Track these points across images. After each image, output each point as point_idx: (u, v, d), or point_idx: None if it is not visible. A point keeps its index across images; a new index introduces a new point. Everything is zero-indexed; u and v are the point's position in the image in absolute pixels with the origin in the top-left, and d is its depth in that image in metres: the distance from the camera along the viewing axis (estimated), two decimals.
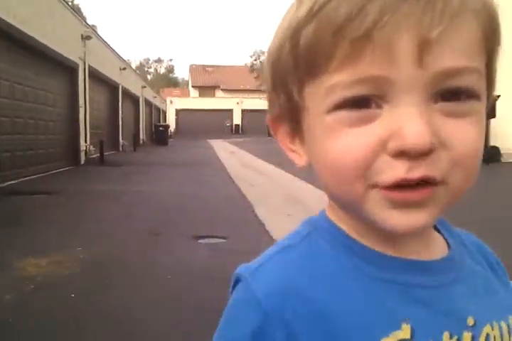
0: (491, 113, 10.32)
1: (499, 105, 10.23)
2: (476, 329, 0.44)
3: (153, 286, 3.02)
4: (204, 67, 55.41)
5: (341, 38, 0.37)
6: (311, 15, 0.38)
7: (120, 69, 18.64)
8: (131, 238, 4.29)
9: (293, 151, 0.47)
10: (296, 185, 7.68)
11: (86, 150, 12.81)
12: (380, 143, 0.37)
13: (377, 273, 0.43)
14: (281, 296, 0.41)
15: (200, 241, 4.16)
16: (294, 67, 0.41)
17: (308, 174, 0.58)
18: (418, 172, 0.37)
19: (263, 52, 43.74)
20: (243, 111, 45.61)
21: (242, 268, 0.45)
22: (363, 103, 0.38)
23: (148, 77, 69.93)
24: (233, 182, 8.21)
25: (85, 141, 12.83)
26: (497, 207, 5.94)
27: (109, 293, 2.90)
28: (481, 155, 0.40)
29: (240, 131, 44.92)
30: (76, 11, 13.12)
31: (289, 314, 0.40)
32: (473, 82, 0.39)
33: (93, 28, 17.03)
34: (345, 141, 0.38)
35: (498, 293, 0.49)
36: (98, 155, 12.94)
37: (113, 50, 17.70)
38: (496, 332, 0.45)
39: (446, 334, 0.42)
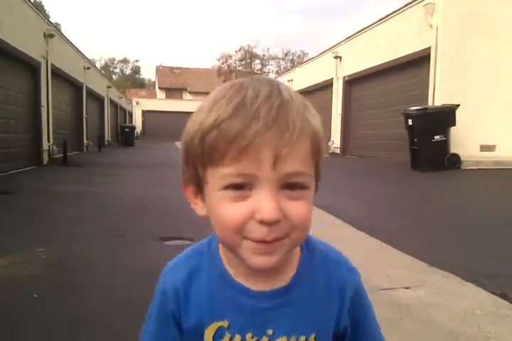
0: (451, 121, 10.68)
1: (459, 114, 10.59)
2: (272, 337, 0.73)
3: (118, 288, 2.96)
4: (171, 68, 54.92)
5: (231, 147, 0.61)
6: (214, 126, 0.62)
7: (84, 68, 18.26)
8: (95, 239, 4.21)
9: (195, 204, 0.72)
10: None
11: (49, 150, 12.49)
12: (250, 215, 0.62)
13: (226, 289, 0.74)
14: (174, 286, 0.77)
15: (166, 243, 4.11)
16: (201, 155, 0.65)
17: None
18: (271, 236, 0.63)
19: (230, 56, 43.90)
20: None
21: (166, 266, 0.81)
22: (240, 187, 0.63)
23: (114, 77, 68.76)
24: None
25: (48, 141, 12.50)
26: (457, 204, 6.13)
27: (73, 294, 2.83)
28: (310, 221, 0.67)
29: None
30: (38, 8, 12.77)
31: (179, 293, 0.76)
32: (304, 179, 0.65)
33: (56, 26, 16.62)
34: (229, 211, 0.64)
35: (312, 316, 0.74)
36: (61, 155, 12.63)
37: (77, 49, 17.33)
38: None
39: (249, 335, 0.73)
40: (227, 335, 0.73)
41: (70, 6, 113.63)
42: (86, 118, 18.46)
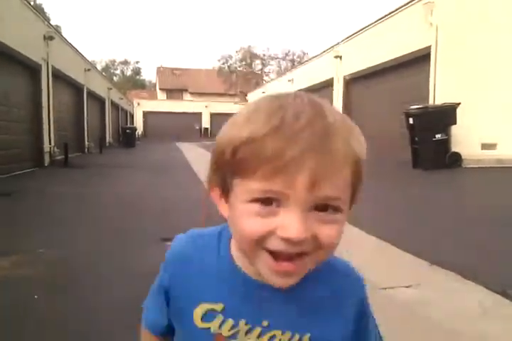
0: (452, 120, 10.66)
1: (460, 112, 10.57)
2: (265, 329, 0.71)
3: (118, 288, 2.97)
4: (172, 69, 54.99)
5: (264, 166, 0.58)
6: (246, 142, 0.59)
7: (85, 70, 18.30)
8: (96, 240, 4.21)
9: (220, 205, 0.70)
10: None
11: (50, 151, 12.51)
12: (271, 229, 0.60)
13: (228, 275, 0.73)
14: (175, 260, 0.79)
15: (167, 243, 4.11)
16: (230, 166, 0.62)
17: None
18: (293, 250, 0.60)
19: (231, 57, 43.99)
20: (212, 114, 45.47)
21: (173, 241, 0.83)
22: (268, 201, 0.60)
23: (115, 78, 68.83)
24: (203, 185, 8.16)
25: (49, 143, 12.53)
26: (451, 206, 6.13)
27: (74, 294, 2.84)
28: (338, 243, 0.64)
29: (209, 135, 44.72)
30: (38, 10, 12.79)
31: (176, 269, 0.77)
32: (340, 203, 0.62)
33: (57, 28, 16.66)
34: (254, 224, 0.60)
35: (312, 317, 0.72)
36: (63, 156, 12.65)
37: (77, 51, 17.36)
38: (285, 337, 0.71)
39: (242, 321, 0.70)
40: (219, 317, 0.71)
41: (70, 8, 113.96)
42: (87, 119, 18.49)
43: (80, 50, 17.71)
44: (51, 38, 12.60)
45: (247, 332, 0.71)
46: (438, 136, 10.38)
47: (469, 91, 11.05)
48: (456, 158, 10.64)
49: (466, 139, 10.88)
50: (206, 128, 45.77)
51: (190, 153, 18.66)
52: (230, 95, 43.70)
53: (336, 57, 17.84)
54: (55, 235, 4.39)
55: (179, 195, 6.95)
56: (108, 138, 25.68)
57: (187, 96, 51.44)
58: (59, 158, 12.77)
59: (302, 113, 0.60)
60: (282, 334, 0.71)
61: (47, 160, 12.24)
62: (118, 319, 2.45)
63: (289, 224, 0.59)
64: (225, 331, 0.71)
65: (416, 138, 10.51)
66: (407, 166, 10.82)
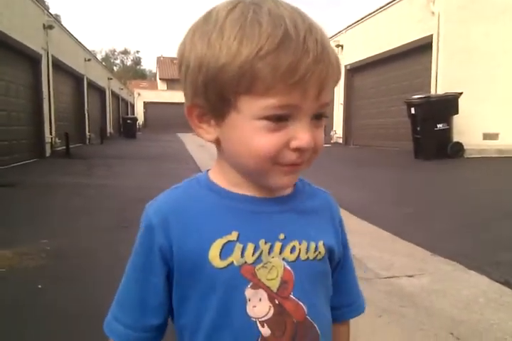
0: (454, 110, 10.60)
1: (462, 102, 10.52)
2: (285, 241, 0.70)
3: (120, 278, 2.97)
4: (172, 59, 54.59)
5: (280, 81, 0.59)
6: (259, 57, 0.58)
7: (85, 60, 18.19)
8: (98, 230, 4.22)
9: (200, 128, 0.70)
10: None
11: (51, 142, 12.49)
12: (285, 143, 0.63)
13: (225, 202, 0.71)
14: (162, 213, 0.72)
15: None
16: (236, 84, 0.60)
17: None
18: (301, 159, 0.65)
19: None
20: None
21: (148, 203, 0.77)
22: (281, 118, 0.62)
23: (115, 68, 68.51)
24: None
25: (50, 133, 12.50)
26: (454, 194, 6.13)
27: (77, 285, 2.85)
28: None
29: None
30: None
31: (168, 220, 0.71)
32: (328, 108, 0.68)
33: (56, 17, 16.53)
34: (264, 140, 0.62)
35: (316, 225, 0.75)
36: (64, 147, 12.64)
37: (77, 41, 17.25)
38: (303, 246, 0.71)
39: (262, 241, 0.69)
40: (238, 246, 0.68)
41: None
42: (88, 110, 18.43)
43: (79, 40, 17.60)
44: (51, 27, 12.50)
45: (269, 252, 0.69)
46: (440, 125, 10.35)
47: (471, 80, 10.98)
48: (458, 148, 10.62)
49: (468, 129, 10.85)
50: None
51: (191, 144, 18.65)
52: None
53: (337, 46, 17.70)
54: (58, 225, 4.40)
55: None
56: (109, 129, 25.61)
57: None
58: (60, 148, 12.76)
59: (297, 21, 0.61)
60: (300, 244, 0.72)
61: (48, 151, 12.22)
62: None
63: (301, 134, 0.63)
64: (249, 257, 0.68)
65: (418, 128, 10.48)
66: (409, 156, 10.81)
